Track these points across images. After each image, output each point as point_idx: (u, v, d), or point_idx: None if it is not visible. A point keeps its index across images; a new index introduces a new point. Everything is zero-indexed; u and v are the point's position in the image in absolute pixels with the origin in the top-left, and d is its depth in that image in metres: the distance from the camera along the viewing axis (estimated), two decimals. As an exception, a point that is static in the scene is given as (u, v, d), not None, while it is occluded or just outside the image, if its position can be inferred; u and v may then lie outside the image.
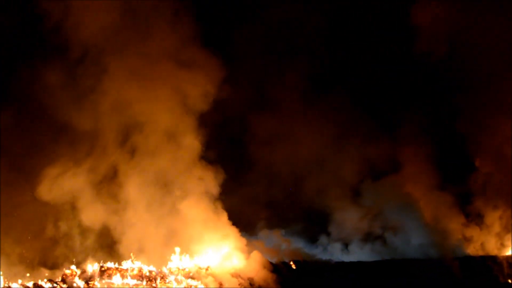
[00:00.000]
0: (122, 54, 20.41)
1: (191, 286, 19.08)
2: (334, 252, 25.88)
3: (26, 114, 20.96)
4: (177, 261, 19.58)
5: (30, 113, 21.00)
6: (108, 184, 20.58)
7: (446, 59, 25.54)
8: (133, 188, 20.13)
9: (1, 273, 16.96)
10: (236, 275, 19.90)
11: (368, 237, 26.51)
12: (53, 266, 18.47)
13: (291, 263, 22.12)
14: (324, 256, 25.07)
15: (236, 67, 23.45)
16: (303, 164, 26.78)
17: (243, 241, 20.89)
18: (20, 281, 17.18)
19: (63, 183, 19.67)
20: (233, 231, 20.87)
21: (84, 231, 19.74)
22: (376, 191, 26.95)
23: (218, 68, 21.11)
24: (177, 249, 19.79)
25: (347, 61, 27.37)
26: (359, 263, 23.72)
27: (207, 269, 19.62)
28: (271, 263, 21.31)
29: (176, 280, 19.05)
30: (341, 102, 26.71)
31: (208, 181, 20.68)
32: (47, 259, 18.85)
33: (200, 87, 20.89)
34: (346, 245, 26.31)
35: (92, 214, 19.82)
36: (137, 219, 19.97)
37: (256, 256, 20.67)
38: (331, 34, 26.53)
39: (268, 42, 26.12)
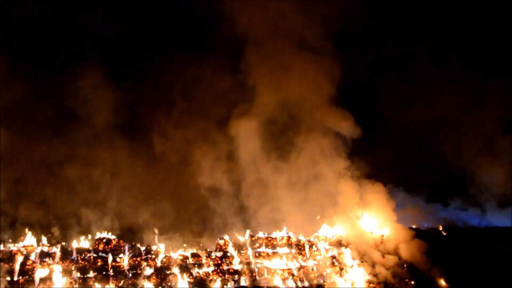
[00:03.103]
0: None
1: (339, 253, 18.81)
2: (469, 217, 23.73)
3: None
4: (325, 230, 19.34)
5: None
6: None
7: None
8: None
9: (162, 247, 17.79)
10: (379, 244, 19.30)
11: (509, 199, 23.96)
12: (208, 237, 19.14)
13: (441, 228, 20.90)
14: (458, 221, 23.10)
15: (364, 31, 22.35)
16: (434, 126, 25.21)
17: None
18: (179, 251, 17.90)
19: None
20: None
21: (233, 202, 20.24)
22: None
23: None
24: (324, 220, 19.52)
25: (479, 13, 25.09)
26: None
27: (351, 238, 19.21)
28: (419, 229, 20.33)
29: (324, 248, 18.90)
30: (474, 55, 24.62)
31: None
32: (202, 230, 19.66)
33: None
34: (483, 209, 24.22)
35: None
36: (282, 189, 20.05)
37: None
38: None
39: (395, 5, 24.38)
